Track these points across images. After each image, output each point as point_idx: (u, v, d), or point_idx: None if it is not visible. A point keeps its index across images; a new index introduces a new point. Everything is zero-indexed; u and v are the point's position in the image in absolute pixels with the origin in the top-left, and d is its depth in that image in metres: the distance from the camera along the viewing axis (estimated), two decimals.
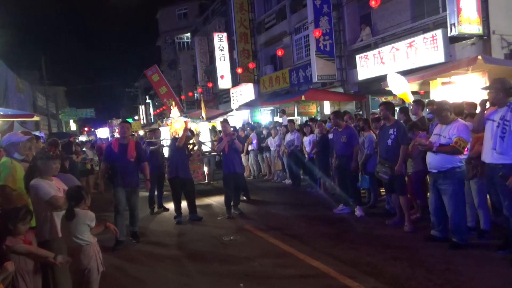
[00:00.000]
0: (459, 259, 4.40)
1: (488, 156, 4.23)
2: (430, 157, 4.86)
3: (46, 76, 28.12)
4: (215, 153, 10.78)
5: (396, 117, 6.29)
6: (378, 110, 6.87)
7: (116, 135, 20.92)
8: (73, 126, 42.58)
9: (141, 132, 22.21)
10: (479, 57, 6.91)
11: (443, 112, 4.79)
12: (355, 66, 12.25)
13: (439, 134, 4.82)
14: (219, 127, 13.80)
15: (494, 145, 4.13)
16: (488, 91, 4.30)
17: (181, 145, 7.43)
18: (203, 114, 13.49)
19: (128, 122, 5.90)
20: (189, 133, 8.17)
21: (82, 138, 28.05)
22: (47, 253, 3.25)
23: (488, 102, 4.35)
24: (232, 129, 8.91)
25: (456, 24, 8.52)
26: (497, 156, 4.11)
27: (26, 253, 3.15)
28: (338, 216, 6.86)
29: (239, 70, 18.24)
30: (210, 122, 15.04)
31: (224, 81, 21.33)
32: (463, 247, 4.65)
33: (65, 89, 43.93)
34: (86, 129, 44.55)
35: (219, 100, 24.93)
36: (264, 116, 17.35)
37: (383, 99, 11.36)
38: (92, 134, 37.42)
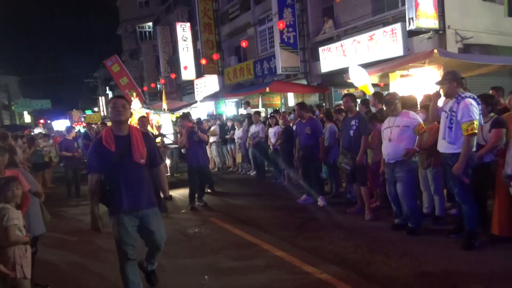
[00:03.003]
0: (415, 244, 4.60)
1: (440, 145, 4.43)
2: (389, 148, 5.01)
3: None
4: (177, 146, 10.62)
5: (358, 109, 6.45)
6: (341, 102, 7.02)
7: (79, 127, 20.00)
8: (27, 118, 40.58)
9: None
10: (435, 50, 7.19)
11: (392, 105, 4.98)
12: (318, 59, 12.41)
13: (397, 126, 4.96)
14: None
15: (444, 135, 4.33)
16: (441, 85, 4.47)
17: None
18: (165, 106, 13.24)
19: (123, 97, 3.56)
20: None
21: (38, 130, 26.76)
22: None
23: (442, 94, 4.53)
24: (195, 120, 8.81)
25: (414, 19, 8.81)
26: (447, 145, 4.31)
27: None
28: (302, 206, 6.97)
29: (203, 61, 18.00)
30: (173, 113, 14.81)
31: (188, 72, 20.99)
32: (419, 232, 4.87)
33: (18, 79, 41.74)
34: (42, 121, 42.50)
35: (182, 92, 24.53)
36: (229, 108, 17.26)
37: (345, 91, 11.60)
38: (48, 126, 35.81)
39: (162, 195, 3.72)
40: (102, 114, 41.34)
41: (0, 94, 27.85)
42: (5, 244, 3.11)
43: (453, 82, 4.29)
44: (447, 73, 4.43)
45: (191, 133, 7.43)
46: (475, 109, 4.09)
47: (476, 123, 4.05)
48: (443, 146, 4.38)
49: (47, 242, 5.44)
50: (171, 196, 3.85)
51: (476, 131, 4.07)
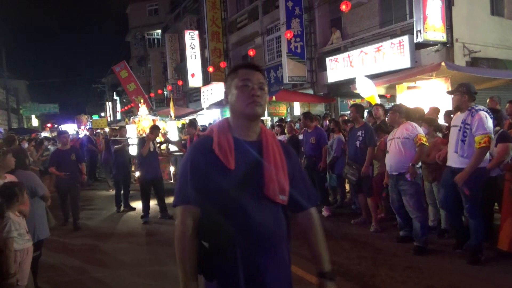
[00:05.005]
0: (420, 257, 4.55)
1: (452, 160, 4.37)
2: (390, 160, 4.98)
3: (6, 69, 26.90)
4: (183, 153, 10.64)
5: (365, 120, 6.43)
6: (348, 112, 7.01)
7: (84, 132, 20.13)
8: (35, 122, 40.93)
9: (106, 129, 21.59)
10: (443, 63, 7.19)
11: (397, 116, 4.94)
12: (325, 69, 12.44)
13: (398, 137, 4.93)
14: None
15: (456, 148, 4.27)
16: (453, 95, 4.45)
17: (144, 154, 7.10)
18: (172, 113, 13.30)
19: (257, 68, 1.79)
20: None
21: (45, 134, 26.98)
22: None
23: (452, 107, 4.51)
24: (200, 127, 8.83)
25: (422, 31, 8.83)
26: (459, 159, 4.25)
27: None
28: None
29: (210, 69, 18.10)
30: (179, 120, 14.86)
31: (195, 80, 21.11)
32: (426, 250, 4.74)
33: (27, 83, 42.21)
34: (49, 125, 42.87)
35: (189, 99, 24.65)
36: None
37: (351, 102, 11.60)
38: (56, 130, 36.08)
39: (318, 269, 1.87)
40: (108, 119, 41.61)
41: (9, 97, 28.12)
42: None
43: (464, 95, 4.27)
44: (461, 85, 4.39)
45: (192, 140, 7.48)
46: (490, 123, 4.08)
47: (490, 136, 4.04)
48: (454, 161, 4.32)
49: (51, 246, 5.46)
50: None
51: (489, 145, 4.04)
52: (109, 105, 48.89)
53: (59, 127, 39.58)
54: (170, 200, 9.12)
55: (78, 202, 7.09)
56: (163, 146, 10.08)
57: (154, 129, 7.61)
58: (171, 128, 11.81)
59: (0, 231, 3.06)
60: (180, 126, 13.28)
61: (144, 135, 7.86)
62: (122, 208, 8.29)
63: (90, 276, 4.72)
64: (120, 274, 4.73)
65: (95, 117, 43.71)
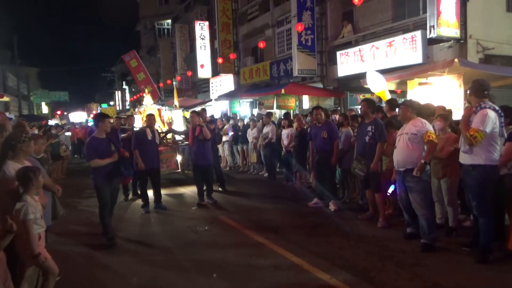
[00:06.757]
0: (427, 255, 4.53)
1: (461, 157, 4.35)
2: (398, 156, 4.93)
3: (18, 56, 27.07)
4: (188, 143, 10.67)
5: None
6: (357, 107, 6.94)
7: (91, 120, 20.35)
8: (45, 109, 41.25)
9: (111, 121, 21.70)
10: (456, 60, 7.08)
11: (409, 111, 4.89)
12: (335, 62, 12.34)
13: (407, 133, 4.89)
14: None
15: (460, 144, 4.28)
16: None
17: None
18: (176, 103, 13.35)
19: None
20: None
21: (55, 121, 27.20)
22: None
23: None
24: (209, 118, 8.82)
25: (435, 26, 8.69)
26: (463, 155, 4.25)
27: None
28: (313, 209, 6.93)
29: (220, 60, 18.05)
30: (187, 111, 14.87)
31: (204, 71, 21.07)
32: (434, 247, 4.71)
33: (38, 70, 42.45)
34: (58, 112, 43.22)
35: (198, 90, 24.64)
36: (243, 107, 17.28)
37: (361, 97, 11.51)
38: (65, 117, 36.37)
39: None
40: (117, 108, 41.81)
41: (20, 84, 28.35)
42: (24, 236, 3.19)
43: (471, 95, 4.26)
44: (472, 82, 4.35)
45: (194, 130, 7.47)
46: (490, 121, 4.01)
47: (481, 135, 3.97)
48: (462, 157, 4.32)
49: (59, 232, 5.52)
50: None
51: (474, 143, 4.00)
52: (118, 94, 49.12)
53: (68, 114, 39.91)
54: (177, 190, 9.19)
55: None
56: (169, 136, 10.11)
57: (149, 115, 7.80)
58: (176, 117, 11.83)
59: (18, 215, 3.11)
60: (188, 116, 13.30)
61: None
62: (130, 196, 8.36)
63: (97, 262, 4.78)
64: (127, 261, 4.78)
65: (104, 105, 44.02)
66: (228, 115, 15.03)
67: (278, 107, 14.12)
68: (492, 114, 4.04)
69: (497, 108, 4.15)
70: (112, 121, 7.10)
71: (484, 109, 4.06)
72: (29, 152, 3.69)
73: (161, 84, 28.55)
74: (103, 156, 5.37)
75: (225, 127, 12.17)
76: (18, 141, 3.52)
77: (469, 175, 4.22)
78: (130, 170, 7.51)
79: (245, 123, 12.22)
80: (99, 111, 35.70)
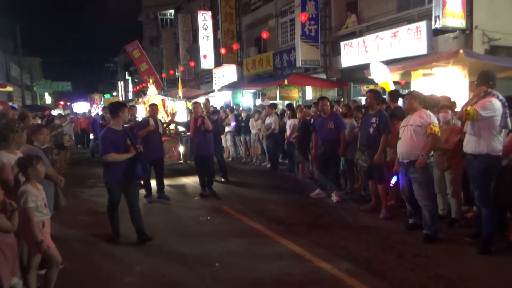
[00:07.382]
0: (429, 245, 4.53)
1: (465, 146, 4.35)
2: (402, 147, 4.90)
3: (21, 46, 27.03)
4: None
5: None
6: (360, 98, 6.90)
7: (96, 111, 20.30)
8: (48, 99, 41.33)
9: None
10: (461, 51, 7.00)
11: (414, 102, 4.86)
12: (339, 53, 12.24)
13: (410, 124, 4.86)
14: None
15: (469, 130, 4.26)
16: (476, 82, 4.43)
17: (140, 137, 6.92)
18: (180, 93, 13.30)
19: None
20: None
21: (58, 111, 27.24)
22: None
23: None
24: (212, 108, 8.78)
25: (440, 17, 8.58)
26: (470, 146, 4.23)
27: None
28: (315, 200, 6.93)
29: (223, 51, 17.96)
30: (190, 101, 14.84)
31: (207, 61, 20.98)
32: (436, 238, 4.70)
33: (41, 60, 42.47)
34: (61, 102, 43.27)
35: (201, 80, 24.57)
36: (246, 98, 17.23)
37: (365, 88, 11.44)
38: (68, 108, 36.40)
39: None
40: (120, 98, 41.80)
41: (23, 74, 28.35)
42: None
43: (479, 84, 4.26)
44: (479, 74, 4.35)
45: (196, 121, 7.46)
46: (490, 108, 4.02)
47: (475, 115, 4.01)
48: (465, 146, 4.33)
49: (63, 221, 5.56)
50: None
51: (464, 117, 4.14)
52: (121, 84, 49.01)
53: (71, 105, 39.96)
54: (180, 180, 9.21)
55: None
56: (172, 126, 10.10)
57: (151, 105, 7.79)
58: (179, 108, 11.80)
59: (18, 203, 3.13)
60: (191, 107, 13.28)
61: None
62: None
63: (100, 251, 4.81)
64: (130, 250, 4.80)
65: (107, 96, 44.07)
66: (231, 105, 15.00)
67: (281, 98, 14.06)
68: (496, 102, 4.04)
69: (502, 98, 4.13)
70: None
71: (491, 96, 4.04)
72: (21, 142, 3.67)
73: (163, 75, 28.50)
74: (118, 150, 4.87)
75: (228, 117, 12.14)
76: (10, 131, 3.51)
77: (471, 164, 4.22)
78: (147, 171, 7.13)
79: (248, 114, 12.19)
80: (102, 101, 35.74)
